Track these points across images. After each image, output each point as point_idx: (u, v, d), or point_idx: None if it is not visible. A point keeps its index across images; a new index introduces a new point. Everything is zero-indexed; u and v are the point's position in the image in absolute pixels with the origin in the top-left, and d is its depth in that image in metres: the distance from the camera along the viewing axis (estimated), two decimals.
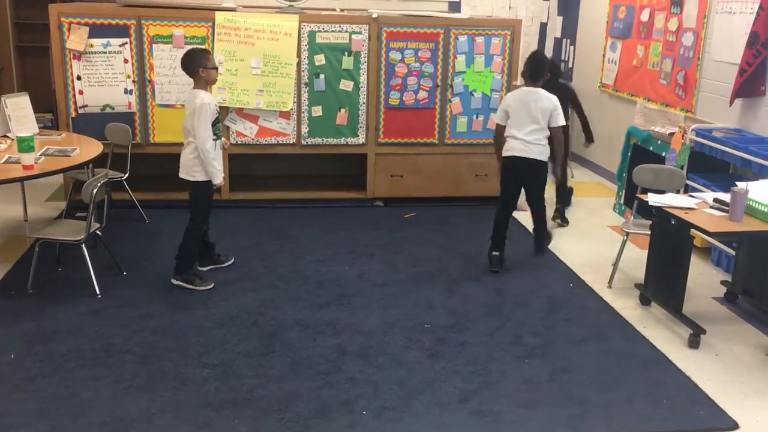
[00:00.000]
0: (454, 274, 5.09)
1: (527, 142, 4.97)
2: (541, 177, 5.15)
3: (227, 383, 3.59)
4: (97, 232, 4.70)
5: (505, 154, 5.10)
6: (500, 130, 5.15)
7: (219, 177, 4.62)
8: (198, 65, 4.48)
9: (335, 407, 3.42)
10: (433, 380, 3.69)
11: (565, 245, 5.75)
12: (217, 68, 4.66)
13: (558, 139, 5.06)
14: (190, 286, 4.67)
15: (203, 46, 5.43)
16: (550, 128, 5.00)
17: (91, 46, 5.93)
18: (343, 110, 6.35)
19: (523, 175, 5.14)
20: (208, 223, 4.87)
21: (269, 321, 4.28)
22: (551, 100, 4.98)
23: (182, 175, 4.64)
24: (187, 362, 3.78)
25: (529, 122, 4.97)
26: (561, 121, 5.03)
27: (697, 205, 4.31)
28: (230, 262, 5.10)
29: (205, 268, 4.95)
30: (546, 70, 5.07)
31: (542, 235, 5.49)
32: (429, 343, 4.07)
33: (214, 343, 3.98)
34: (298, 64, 6.18)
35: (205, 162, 4.52)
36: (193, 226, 4.70)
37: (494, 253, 5.20)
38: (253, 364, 3.79)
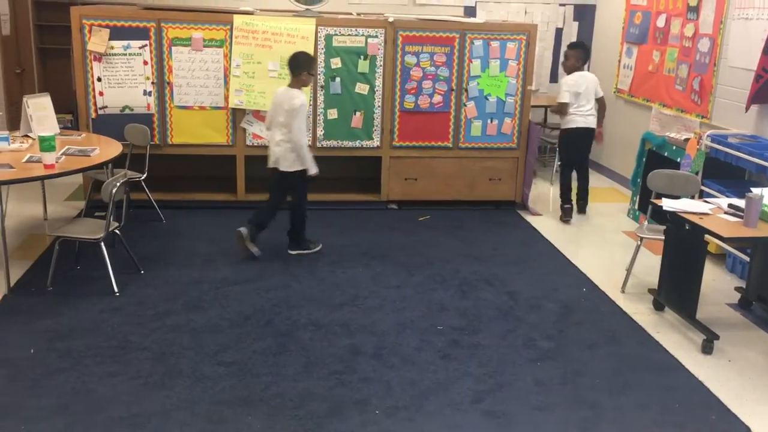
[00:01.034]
0: (467, 276, 5.12)
1: (588, 114, 6.42)
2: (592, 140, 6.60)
3: (242, 381, 3.64)
4: (116, 231, 4.76)
5: (570, 126, 6.45)
6: (566, 108, 6.39)
7: (315, 167, 5.17)
8: (304, 68, 5.07)
9: (348, 406, 3.46)
10: (445, 381, 3.72)
11: (578, 250, 5.76)
12: (315, 75, 5.19)
13: (604, 104, 6.66)
14: (308, 251, 5.40)
15: (310, 53, 5.69)
16: (597, 99, 6.50)
17: (112, 48, 6.02)
18: (358, 113, 6.40)
19: (585, 141, 6.52)
20: (275, 212, 5.32)
21: (284, 321, 4.33)
22: (596, 78, 6.54)
23: (282, 167, 5.15)
24: (203, 360, 3.83)
25: (592, 99, 6.44)
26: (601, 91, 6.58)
27: (711, 211, 4.31)
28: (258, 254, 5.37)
29: (255, 249, 5.28)
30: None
31: (587, 196, 6.73)
32: (442, 345, 4.10)
33: (229, 342, 4.03)
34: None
35: (301, 155, 5.08)
36: (299, 207, 5.35)
37: (566, 205, 6.50)
38: (267, 362, 3.83)
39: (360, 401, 3.51)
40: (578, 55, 6.45)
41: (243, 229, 5.21)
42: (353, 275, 5.06)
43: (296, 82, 5.09)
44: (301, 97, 5.03)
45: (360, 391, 3.59)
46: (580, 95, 6.35)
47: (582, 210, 6.72)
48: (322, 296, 4.69)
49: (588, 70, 6.80)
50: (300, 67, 5.05)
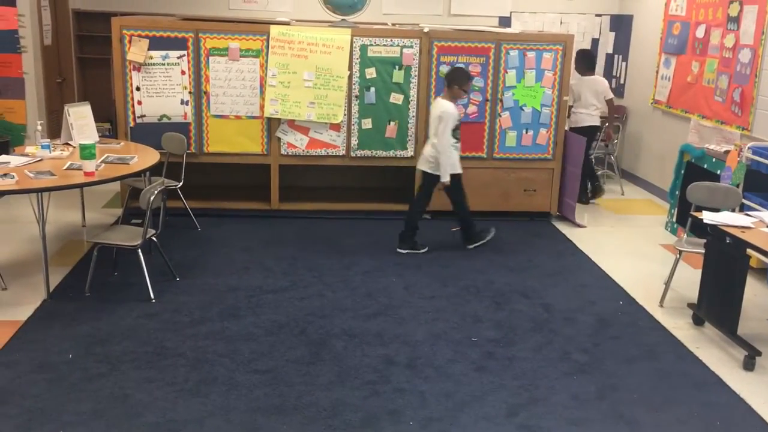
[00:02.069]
0: (501, 288, 5.08)
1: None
2: None
3: (276, 389, 3.65)
4: (153, 238, 4.82)
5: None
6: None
7: (447, 176, 5.54)
8: (458, 82, 5.47)
9: (382, 417, 3.44)
10: (480, 393, 3.68)
11: (614, 262, 5.68)
12: (467, 92, 5.76)
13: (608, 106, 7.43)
14: (416, 251, 5.70)
15: (467, 69, 5.90)
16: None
17: (151, 57, 6.11)
18: (392, 123, 6.41)
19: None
20: (421, 213, 5.85)
21: (317, 330, 4.33)
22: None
23: (426, 168, 5.63)
24: (237, 367, 3.84)
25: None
26: None
27: (753, 224, 4.23)
28: (424, 250, 5.78)
29: (403, 251, 5.72)
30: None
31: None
32: (476, 357, 4.07)
33: (263, 350, 4.05)
34: (350, 77, 6.26)
35: (441, 161, 5.49)
36: (460, 204, 5.81)
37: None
38: (301, 371, 3.83)
39: (394, 412, 3.49)
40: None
41: (401, 251, 5.73)
42: (386, 285, 5.05)
43: (449, 93, 5.52)
44: (449, 107, 5.45)
45: (394, 402, 3.57)
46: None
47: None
48: (355, 306, 4.69)
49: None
50: (453, 81, 5.48)
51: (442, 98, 5.57)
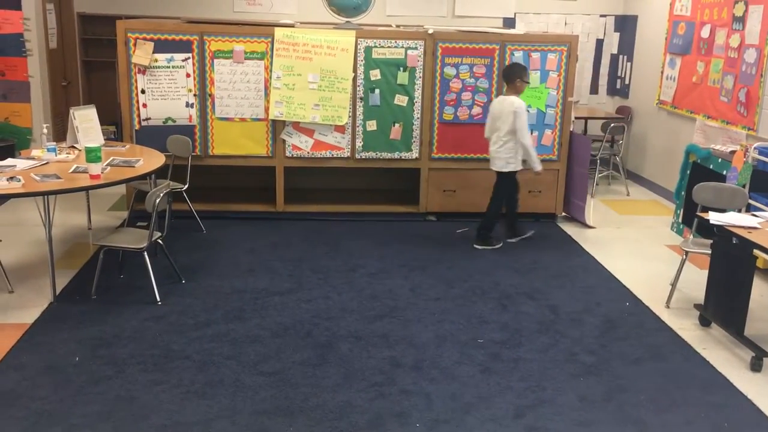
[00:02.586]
0: (507, 289, 5.07)
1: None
2: None
3: (282, 391, 3.64)
4: (159, 240, 4.83)
5: None
6: None
7: (539, 165, 5.72)
8: (518, 76, 5.62)
9: (389, 419, 3.44)
10: (487, 395, 3.67)
11: (620, 263, 5.67)
12: (528, 83, 5.82)
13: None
14: (491, 247, 5.87)
15: (521, 64, 6.04)
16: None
17: (155, 60, 6.13)
18: (397, 125, 6.41)
19: None
20: (518, 203, 6.07)
21: (323, 332, 4.33)
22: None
23: (496, 168, 5.78)
24: (244, 370, 3.84)
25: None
26: None
27: (760, 225, 4.21)
28: (499, 245, 5.97)
29: (513, 239, 6.05)
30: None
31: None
32: (482, 358, 4.06)
33: (269, 352, 4.05)
34: (354, 79, 6.26)
35: (529, 153, 5.64)
36: (495, 206, 5.94)
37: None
38: (307, 373, 3.83)
39: (400, 414, 3.48)
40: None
41: (477, 246, 5.88)
42: (392, 287, 5.05)
43: (511, 89, 5.66)
44: (519, 102, 5.57)
45: (400, 404, 3.57)
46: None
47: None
48: (361, 308, 4.69)
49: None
50: (515, 74, 5.63)
51: (506, 95, 5.68)
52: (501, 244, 5.97)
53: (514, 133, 5.61)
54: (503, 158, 5.73)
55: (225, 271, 5.21)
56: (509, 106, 5.57)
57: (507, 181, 5.87)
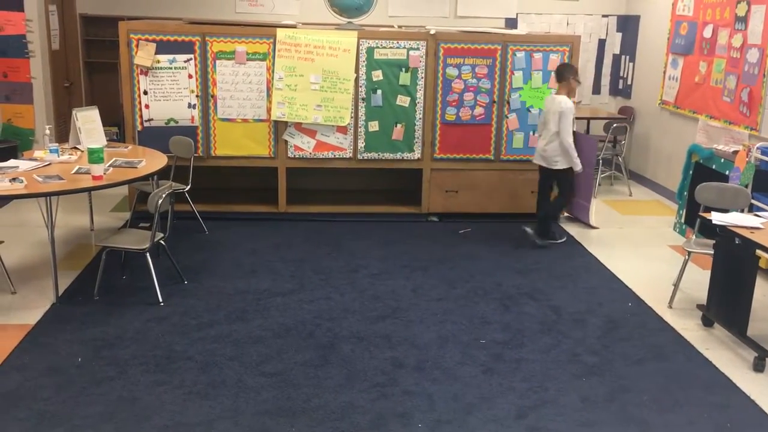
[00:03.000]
0: (509, 290, 5.07)
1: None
2: None
3: (284, 392, 3.65)
4: (161, 241, 4.83)
5: None
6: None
7: (579, 164, 5.77)
8: (570, 74, 5.70)
9: (391, 419, 3.44)
10: (489, 395, 3.67)
11: (623, 264, 5.66)
12: (580, 83, 5.87)
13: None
14: (554, 242, 5.98)
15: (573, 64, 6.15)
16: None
17: (158, 61, 6.13)
18: (399, 125, 6.41)
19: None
20: (559, 204, 6.09)
21: (325, 332, 4.33)
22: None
23: (550, 165, 5.82)
24: (246, 371, 3.84)
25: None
26: None
27: (763, 225, 4.20)
28: (563, 240, 6.10)
29: (540, 242, 5.97)
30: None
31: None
32: (484, 359, 4.06)
33: (272, 353, 4.05)
34: (356, 80, 6.26)
35: (569, 153, 5.70)
36: (559, 202, 6.05)
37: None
38: (309, 374, 3.83)
39: (403, 414, 3.48)
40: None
41: (529, 230, 5.97)
42: (394, 287, 5.05)
43: (563, 88, 5.74)
44: (568, 102, 5.65)
45: (402, 404, 3.57)
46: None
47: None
48: (363, 308, 4.69)
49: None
50: (567, 73, 5.70)
51: (557, 94, 5.76)
52: (565, 239, 6.09)
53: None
54: (549, 156, 5.82)
55: (227, 272, 5.22)
56: (557, 105, 5.67)
57: (565, 177, 5.90)
